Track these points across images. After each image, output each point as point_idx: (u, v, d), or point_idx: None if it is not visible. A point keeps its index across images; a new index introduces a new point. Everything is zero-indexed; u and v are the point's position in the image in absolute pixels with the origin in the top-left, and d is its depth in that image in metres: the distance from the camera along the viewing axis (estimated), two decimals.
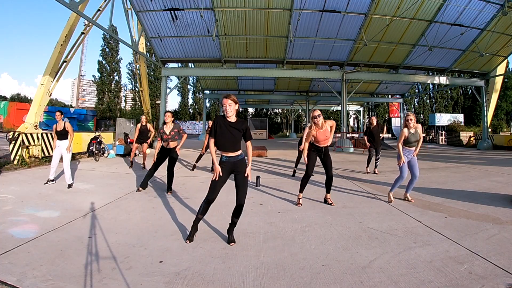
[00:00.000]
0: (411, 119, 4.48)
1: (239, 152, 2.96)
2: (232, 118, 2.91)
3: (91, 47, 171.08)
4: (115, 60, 40.61)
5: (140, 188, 5.05)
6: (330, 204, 4.32)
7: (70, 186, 5.25)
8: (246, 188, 2.96)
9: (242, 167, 2.94)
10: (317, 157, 4.31)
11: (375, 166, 7.45)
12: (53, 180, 5.46)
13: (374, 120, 7.59)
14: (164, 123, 5.24)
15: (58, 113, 5.49)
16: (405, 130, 4.48)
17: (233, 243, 2.87)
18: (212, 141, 2.96)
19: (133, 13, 12.32)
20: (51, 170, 5.42)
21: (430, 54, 14.69)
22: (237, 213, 2.97)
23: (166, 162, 5.19)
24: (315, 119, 4.21)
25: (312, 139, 4.31)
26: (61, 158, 5.49)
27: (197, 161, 7.61)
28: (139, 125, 8.06)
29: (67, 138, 5.48)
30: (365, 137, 7.61)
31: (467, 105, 39.77)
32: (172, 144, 5.14)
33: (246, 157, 3.03)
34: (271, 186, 5.68)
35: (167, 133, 5.08)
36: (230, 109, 2.85)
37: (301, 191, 4.41)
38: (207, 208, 3.00)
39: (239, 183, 2.93)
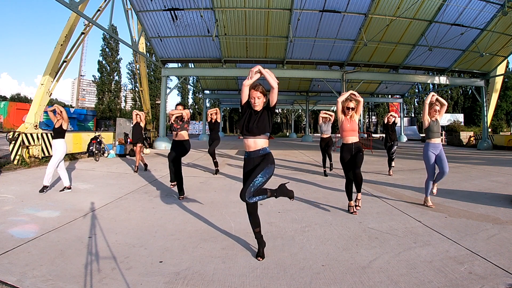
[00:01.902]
0: (438, 110, 4.19)
1: (263, 145, 2.56)
2: (258, 108, 2.59)
3: (91, 47, 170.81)
4: (115, 60, 40.74)
5: (173, 184, 4.60)
6: (354, 210, 3.97)
7: (44, 188, 4.73)
8: (253, 178, 2.46)
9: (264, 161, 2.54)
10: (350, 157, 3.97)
11: (389, 167, 7.25)
12: (70, 188, 4.98)
13: (391, 118, 7.52)
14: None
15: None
16: (426, 118, 4.21)
17: (260, 258, 2.54)
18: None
19: (133, 13, 12.34)
20: (62, 176, 4.99)
21: (430, 54, 14.69)
22: (252, 220, 2.63)
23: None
24: (347, 111, 4.07)
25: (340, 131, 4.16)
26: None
27: (216, 165, 7.15)
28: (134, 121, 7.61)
29: (62, 138, 5.03)
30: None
31: (467, 105, 39.82)
32: (180, 136, 4.81)
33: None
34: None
35: (178, 123, 4.85)
36: (259, 102, 2.58)
37: (349, 198, 4.07)
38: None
39: (252, 172, 2.53)
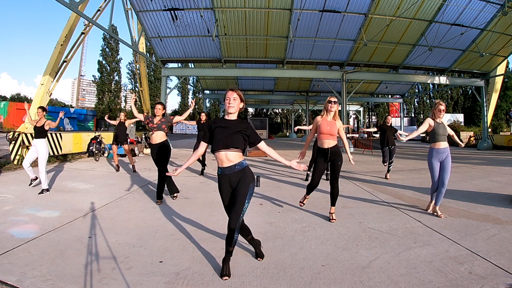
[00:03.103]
0: (442, 110, 3.84)
1: (237, 159, 2.35)
2: (233, 116, 2.43)
3: (91, 47, 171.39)
4: (115, 60, 40.68)
5: (159, 201, 4.35)
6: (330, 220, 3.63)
7: (43, 191, 4.71)
8: (240, 206, 2.27)
9: (243, 178, 2.35)
10: (325, 163, 3.67)
11: (388, 171, 6.70)
12: (36, 179, 5.15)
13: (390, 120, 7.10)
14: (154, 116, 4.58)
15: (39, 110, 4.97)
16: (429, 119, 3.89)
17: (226, 277, 2.22)
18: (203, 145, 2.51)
19: (133, 13, 12.32)
20: (28, 172, 5.06)
21: (430, 54, 14.68)
22: (228, 240, 2.31)
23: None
24: (330, 104, 3.57)
25: (315, 134, 3.78)
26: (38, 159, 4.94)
27: (203, 165, 7.02)
28: (118, 119, 7.48)
29: (44, 137, 4.93)
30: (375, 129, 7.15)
31: (467, 105, 39.76)
32: (157, 138, 4.45)
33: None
34: (271, 186, 5.68)
35: (154, 122, 4.49)
36: (234, 104, 2.38)
37: (307, 193, 3.95)
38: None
39: (235, 198, 2.32)
